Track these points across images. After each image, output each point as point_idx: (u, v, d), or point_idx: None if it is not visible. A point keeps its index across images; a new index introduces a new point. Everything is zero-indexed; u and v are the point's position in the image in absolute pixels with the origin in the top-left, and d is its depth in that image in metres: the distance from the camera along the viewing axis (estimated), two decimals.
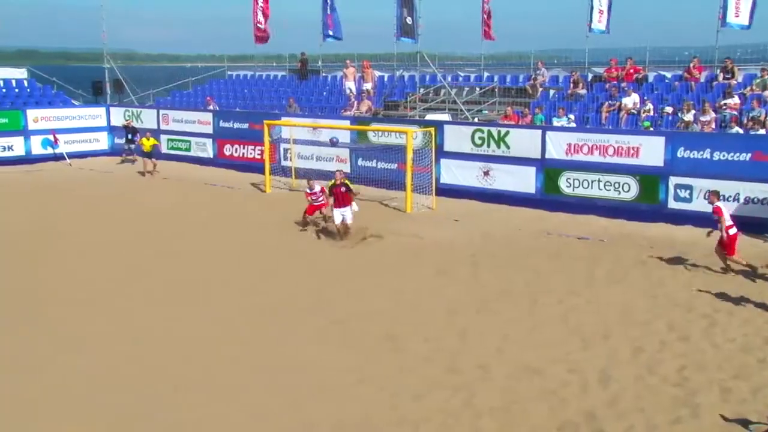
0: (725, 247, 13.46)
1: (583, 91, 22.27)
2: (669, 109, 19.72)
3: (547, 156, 19.07)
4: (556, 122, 20.35)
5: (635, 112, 20.20)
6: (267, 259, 14.67)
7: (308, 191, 17.19)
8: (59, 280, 13.45)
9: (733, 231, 13.42)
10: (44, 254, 15.15)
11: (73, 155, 28.03)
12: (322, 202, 16.93)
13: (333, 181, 16.12)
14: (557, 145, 18.90)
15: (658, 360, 9.79)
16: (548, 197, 18.98)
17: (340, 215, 15.77)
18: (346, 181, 16.13)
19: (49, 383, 9.30)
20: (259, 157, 24.72)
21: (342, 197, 15.76)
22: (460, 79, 26.46)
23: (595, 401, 8.70)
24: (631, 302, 12.08)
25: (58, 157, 27.90)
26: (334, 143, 21.39)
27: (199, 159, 27.30)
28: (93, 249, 15.58)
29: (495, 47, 28.48)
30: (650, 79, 22.24)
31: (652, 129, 18.94)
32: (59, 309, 11.91)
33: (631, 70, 22.12)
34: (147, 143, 26.02)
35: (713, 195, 13.90)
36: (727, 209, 14.04)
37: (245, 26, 33.27)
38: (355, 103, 25.18)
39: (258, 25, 30.55)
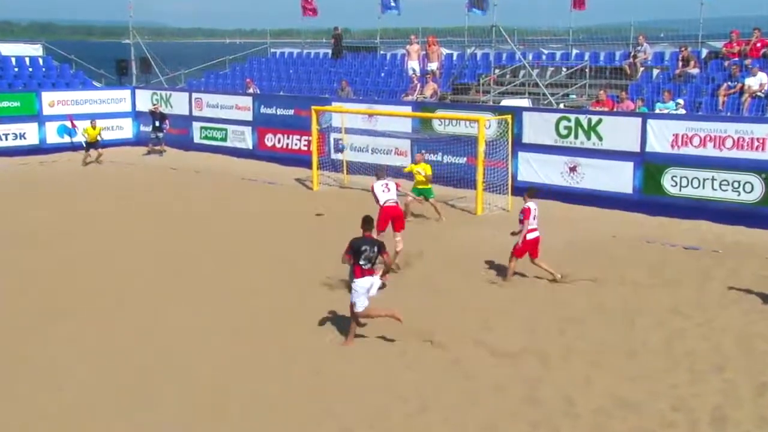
0: (515, 250, 13.95)
1: (694, 71, 21.77)
2: None
3: (648, 149, 18.78)
4: (660, 108, 19.92)
5: (762, 95, 19.66)
6: (314, 265, 14.69)
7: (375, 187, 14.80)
8: (88, 283, 13.85)
9: (532, 236, 13.88)
10: (69, 257, 15.56)
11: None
12: (394, 203, 14.63)
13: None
14: (661, 136, 18.56)
15: None
16: (648, 198, 18.69)
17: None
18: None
19: (74, 396, 9.55)
20: (305, 148, 24.95)
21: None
22: (544, 57, 26.22)
23: None
24: (753, 327, 11.71)
25: (75, 147, 28.63)
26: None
27: (237, 150, 27.72)
28: (119, 251, 15.96)
29: (586, 19, 28.10)
30: None
31: None
32: (89, 313, 12.27)
33: (758, 44, 21.50)
34: (93, 132, 26.95)
35: (529, 193, 14.37)
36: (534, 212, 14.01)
37: None
38: (419, 86, 25.15)
39: None
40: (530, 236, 13.94)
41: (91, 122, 27.34)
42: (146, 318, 12.19)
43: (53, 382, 9.97)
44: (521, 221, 13.92)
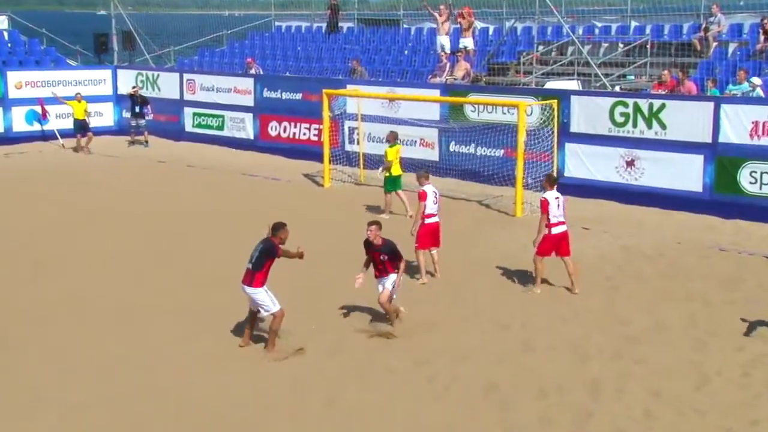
0: (538, 249, 14.05)
1: None
2: None
3: (721, 139, 18.67)
4: (730, 90, 19.74)
5: None
6: (330, 279, 14.67)
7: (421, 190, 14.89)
8: (64, 296, 13.94)
9: (557, 230, 14.01)
10: (47, 266, 15.72)
11: (66, 133, 28.74)
12: (438, 218, 14.87)
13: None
14: (738, 124, 18.45)
15: None
16: (721, 198, 18.62)
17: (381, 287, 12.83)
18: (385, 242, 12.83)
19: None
20: (315, 138, 25.04)
21: (382, 266, 12.82)
22: (597, 31, 26.14)
23: None
24: None
25: (47, 136, 28.84)
26: None
27: (236, 140, 27.86)
28: (99, 262, 16.02)
29: None
30: None
31: None
32: (69, 327, 12.33)
33: None
34: (80, 107, 27.34)
35: (547, 181, 14.53)
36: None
37: None
38: (448, 65, 25.11)
39: None
40: (554, 230, 13.95)
41: (76, 96, 27.54)
42: (131, 339, 12.22)
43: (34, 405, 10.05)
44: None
